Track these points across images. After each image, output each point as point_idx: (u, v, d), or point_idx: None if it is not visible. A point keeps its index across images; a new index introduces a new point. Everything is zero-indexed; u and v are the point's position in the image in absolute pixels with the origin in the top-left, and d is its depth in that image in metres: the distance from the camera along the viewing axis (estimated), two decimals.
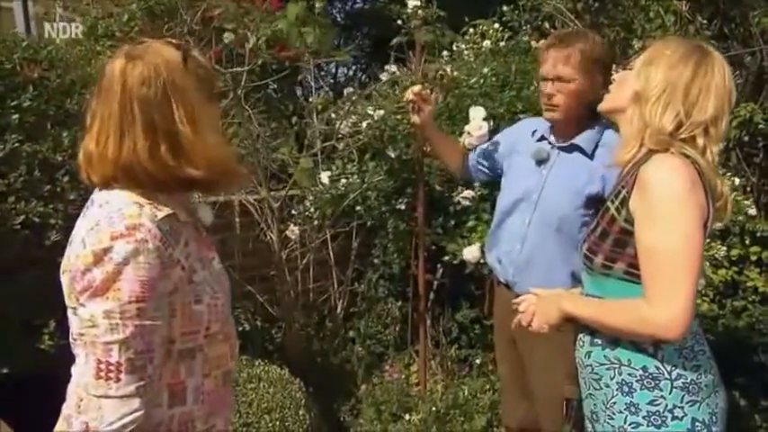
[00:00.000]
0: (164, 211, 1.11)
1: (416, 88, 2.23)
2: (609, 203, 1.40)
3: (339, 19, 7.75)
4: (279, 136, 3.43)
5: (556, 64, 1.90)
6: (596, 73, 1.88)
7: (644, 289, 1.28)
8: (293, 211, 2.99)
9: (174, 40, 1.21)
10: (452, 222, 2.92)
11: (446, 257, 2.92)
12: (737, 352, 3.41)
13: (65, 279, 1.08)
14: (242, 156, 2.83)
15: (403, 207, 3.01)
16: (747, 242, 3.64)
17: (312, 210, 2.90)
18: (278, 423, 2.15)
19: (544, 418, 2.08)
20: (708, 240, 2.54)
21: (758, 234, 3.56)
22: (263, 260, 3.10)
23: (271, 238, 2.85)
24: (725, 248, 2.53)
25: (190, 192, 1.25)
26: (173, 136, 1.12)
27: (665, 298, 1.24)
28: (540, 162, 1.98)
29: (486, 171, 2.25)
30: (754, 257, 3.63)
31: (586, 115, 1.92)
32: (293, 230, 2.81)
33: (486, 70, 2.70)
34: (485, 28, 2.80)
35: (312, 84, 3.42)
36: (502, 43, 2.73)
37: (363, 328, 3.32)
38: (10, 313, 1.88)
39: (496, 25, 2.77)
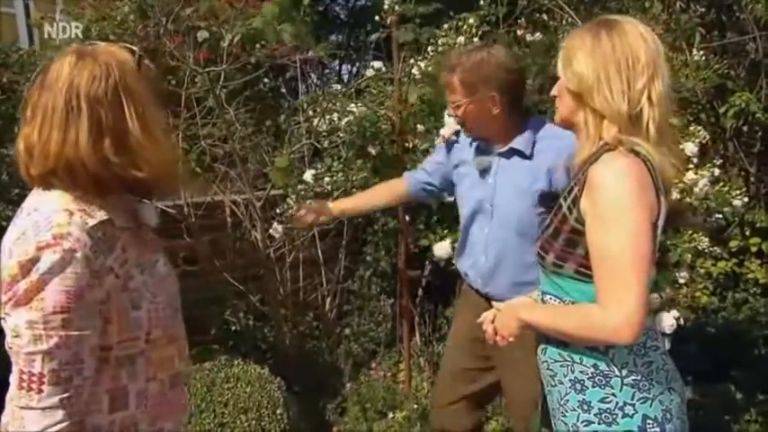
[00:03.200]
0: (96, 218, 1.09)
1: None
2: (561, 201, 1.37)
3: (342, 16, 7.73)
4: (269, 134, 3.44)
5: (446, 91, 1.96)
6: (489, 89, 1.86)
7: (596, 293, 1.26)
8: (277, 210, 2.99)
9: (129, 45, 1.22)
10: (436, 218, 2.90)
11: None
12: (736, 345, 3.36)
13: None
14: (224, 155, 2.85)
15: None
16: (747, 233, 3.58)
17: (295, 208, 2.89)
18: (254, 423, 2.15)
19: (517, 416, 2.06)
20: (690, 232, 2.51)
21: (757, 225, 3.50)
22: (254, 259, 3.11)
23: (255, 237, 2.86)
24: (707, 240, 2.47)
25: (129, 194, 1.21)
26: (120, 133, 1.11)
27: (616, 303, 1.21)
28: (484, 172, 1.97)
29: (435, 189, 2.22)
30: (754, 249, 3.57)
31: (513, 118, 1.91)
32: (276, 229, 2.81)
33: None
34: (459, 23, 2.77)
35: (299, 81, 3.42)
36: (476, 39, 2.70)
37: (356, 326, 3.32)
38: None
39: (471, 20, 2.74)
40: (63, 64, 1.11)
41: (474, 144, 2.02)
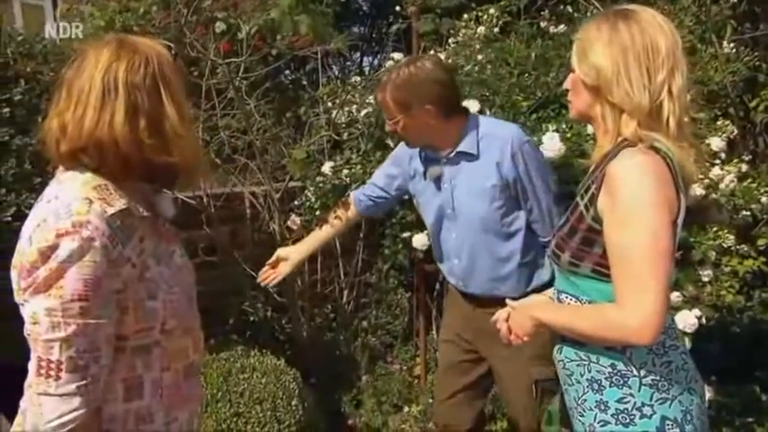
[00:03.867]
0: (115, 207, 1.09)
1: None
2: (578, 199, 1.33)
3: (365, 8, 7.69)
4: (289, 126, 3.44)
5: (382, 108, 1.99)
6: (422, 103, 1.86)
7: (614, 292, 1.23)
8: (296, 202, 2.99)
9: (165, 42, 1.25)
10: None
11: None
12: (762, 345, 3.28)
13: (13, 275, 1.09)
14: (244, 146, 2.85)
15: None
16: None
17: (313, 200, 2.89)
18: (269, 413, 2.16)
19: (515, 406, 2.06)
20: (714, 229, 2.45)
21: None
22: (273, 251, 3.11)
23: (273, 228, 2.87)
24: (732, 237, 2.41)
25: (152, 182, 1.22)
26: (156, 118, 1.13)
27: (635, 302, 1.18)
28: (438, 179, 1.99)
29: (387, 201, 2.24)
30: None
31: (453, 122, 1.92)
32: (294, 221, 2.81)
33: (480, 57, 2.63)
34: (480, 14, 2.72)
35: (321, 73, 3.41)
36: (496, 29, 2.66)
37: (373, 319, 3.32)
38: (1, 303, 1.92)
39: (492, 10, 2.69)
40: (102, 50, 1.13)
41: (422, 154, 2.03)
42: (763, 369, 3.12)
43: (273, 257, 2.26)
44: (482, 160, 1.90)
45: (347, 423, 2.77)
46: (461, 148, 1.92)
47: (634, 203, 1.19)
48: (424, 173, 2.02)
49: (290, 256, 2.24)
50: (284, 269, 2.23)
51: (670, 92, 1.22)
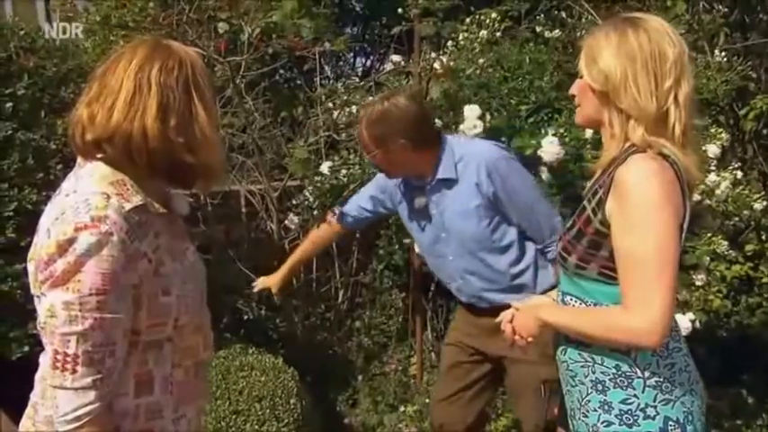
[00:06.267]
0: (132, 203, 1.10)
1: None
2: (585, 203, 1.36)
3: (358, 9, 7.69)
4: (284, 126, 3.45)
5: (359, 141, 2.07)
6: (396, 138, 1.91)
7: (621, 296, 1.25)
8: (294, 201, 3.00)
9: (196, 49, 1.26)
10: None
11: None
12: (749, 349, 3.35)
13: (30, 267, 1.10)
14: (241, 145, 2.86)
15: None
16: (763, 237, 3.55)
17: (311, 200, 2.90)
18: (268, 411, 2.17)
19: (523, 405, 2.08)
20: (709, 235, 2.50)
21: None
22: (268, 250, 3.12)
23: (271, 227, 2.87)
24: (726, 243, 2.46)
25: (169, 181, 1.23)
26: (186, 119, 1.14)
27: (642, 306, 1.20)
28: (425, 208, 2.04)
29: (378, 214, 2.30)
30: None
31: (428, 150, 1.96)
32: (292, 220, 2.82)
33: (481, 61, 2.66)
34: (482, 17, 2.76)
35: (318, 73, 3.42)
36: (498, 33, 2.69)
37: (368, 319, 3.33)
38: (4, 298, 1.91)
39: (494, 14, 2.73)
40: (137, 50, 1.14)
41: (405, 184, 2.09)
42: (749, 373, 3.18)
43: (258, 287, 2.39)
44: (462, 183, 1.96)
45: (343, 422, 2.78)
46: (441, 175, 1.97)
47: (643, 209, 1.21)
48: (410, 202, 2.08)
49: (279, 274, 2.37)
50: (277, 286, 2.37)
51: (676, 99, 1.25)
